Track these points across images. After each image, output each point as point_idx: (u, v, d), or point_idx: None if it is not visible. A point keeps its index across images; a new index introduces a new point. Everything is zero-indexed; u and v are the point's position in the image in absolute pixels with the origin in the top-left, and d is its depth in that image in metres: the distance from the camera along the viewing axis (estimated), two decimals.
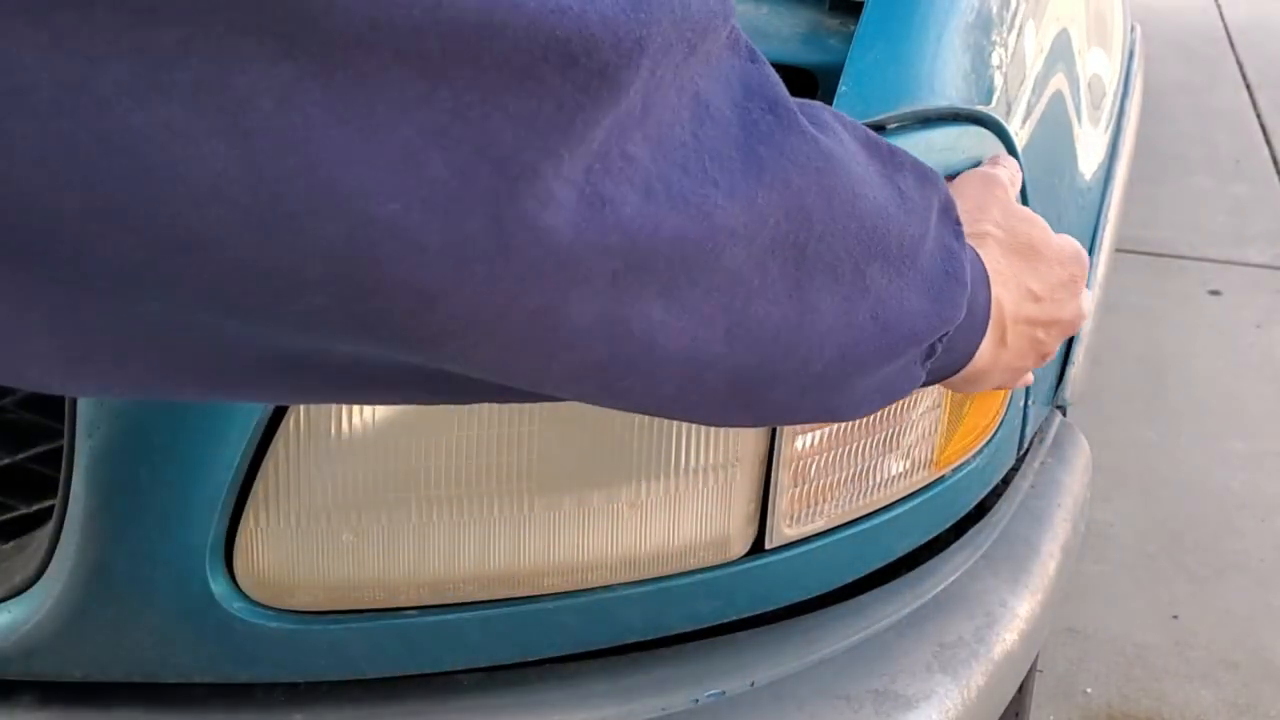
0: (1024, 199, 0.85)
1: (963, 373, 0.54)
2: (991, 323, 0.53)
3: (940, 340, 0.47)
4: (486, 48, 0.26)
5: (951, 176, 0.76)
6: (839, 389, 0.43)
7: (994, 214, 0.57)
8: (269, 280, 0.26)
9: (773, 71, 0.37)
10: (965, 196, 0.58)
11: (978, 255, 0.52)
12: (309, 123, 0.25)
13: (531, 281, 0.29)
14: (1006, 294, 0.54)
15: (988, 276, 0.52)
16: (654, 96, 0.31)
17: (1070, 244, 0.60)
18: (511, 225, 0.28)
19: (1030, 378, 0.63)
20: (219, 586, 0.73)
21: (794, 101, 0.38)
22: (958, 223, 0.48)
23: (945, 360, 0.50)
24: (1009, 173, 0.63)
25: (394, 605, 0.76)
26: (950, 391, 0.80)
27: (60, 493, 0.70)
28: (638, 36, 0.29)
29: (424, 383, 0.35)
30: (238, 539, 0.72)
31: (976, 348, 0.52)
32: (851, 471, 0.80)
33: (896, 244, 0.42)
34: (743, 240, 0.35)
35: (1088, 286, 0.63)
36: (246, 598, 0.74)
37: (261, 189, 0.25)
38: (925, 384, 0.50)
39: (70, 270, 0.25)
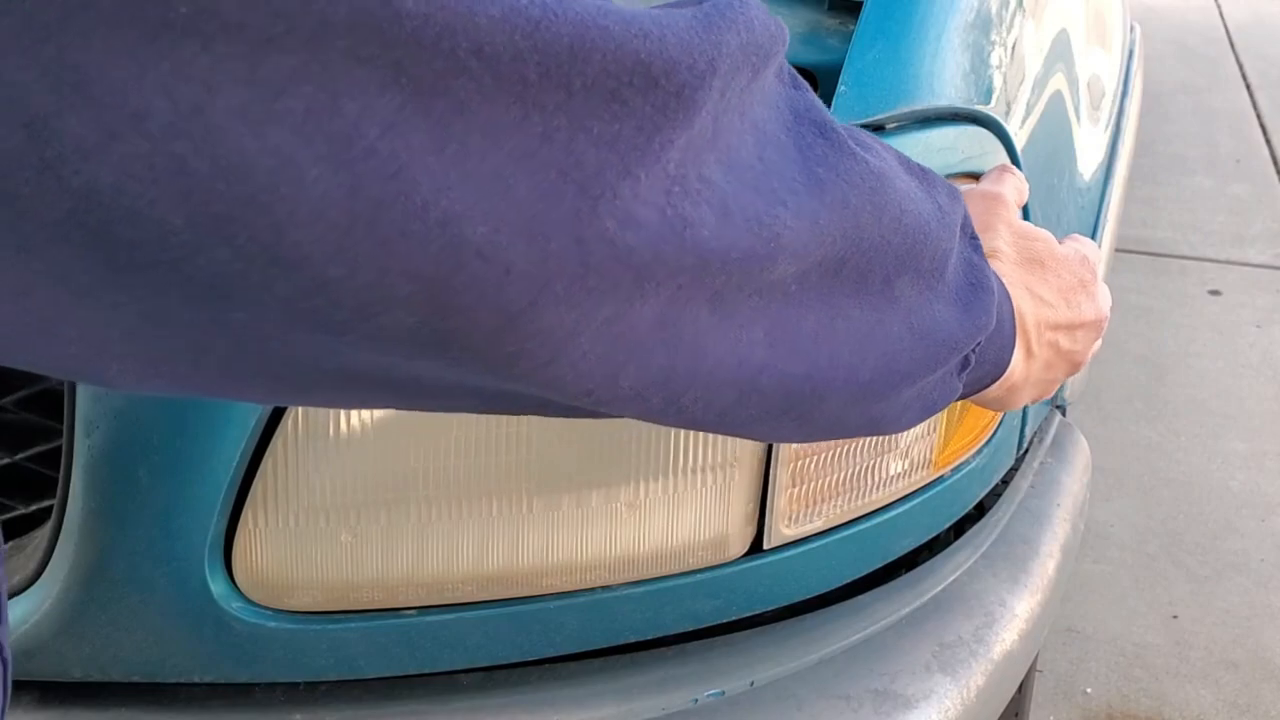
0: (1025, 208, 0.85)
1: (998, 385, 0.55)
2: (1019, 330, 0.54)
3: (974, 351, 0.48)
4: (578, 72, 0.27)
5: (953, 179, 0.76)
6: (884, 400, 0.44)
7: (1000, 231, 0.58)
8: (357, 296, 0.27)
9: (816, 97, 0.39)
10: (971, 213, 0.59)
11: (992, 269, 0.53)
12: (409, 150, 0.26)
13: (605, 295, 0.30)
14: (1025, 304, 0.55)
15: (1007, 290, 0.53)
16: (723, 119, 0.32)
17: (1075, 249, 0.60)
18: (593, 245, 0.29)
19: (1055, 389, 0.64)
20: (218, 586, 0.73)
21: (840, 125, 0.39)
22: (975, 237, 0.49)
23: (980, 372, 0.51)
24: (1013, 187, 0.64)
25: (393, 605, 0.76)
26: None
27: (59, 493, 0.70)
28: (710, 58, 0.30)
29: (484, 397, 0.36)
30: (236, 539, 0.72)
31: (1010, 358, 0.53)
32: (850, 471, 0.80)
33: (929, 257, 0.43)
34: (799, 257, 0.36)
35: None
36: (245, 598, 0.74)
37: (359, 212, 0.26)
38: (962, 396, 0.51)
39: (169, 278, 0.26)
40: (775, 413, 0.40)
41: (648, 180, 0.30)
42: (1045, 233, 0.60)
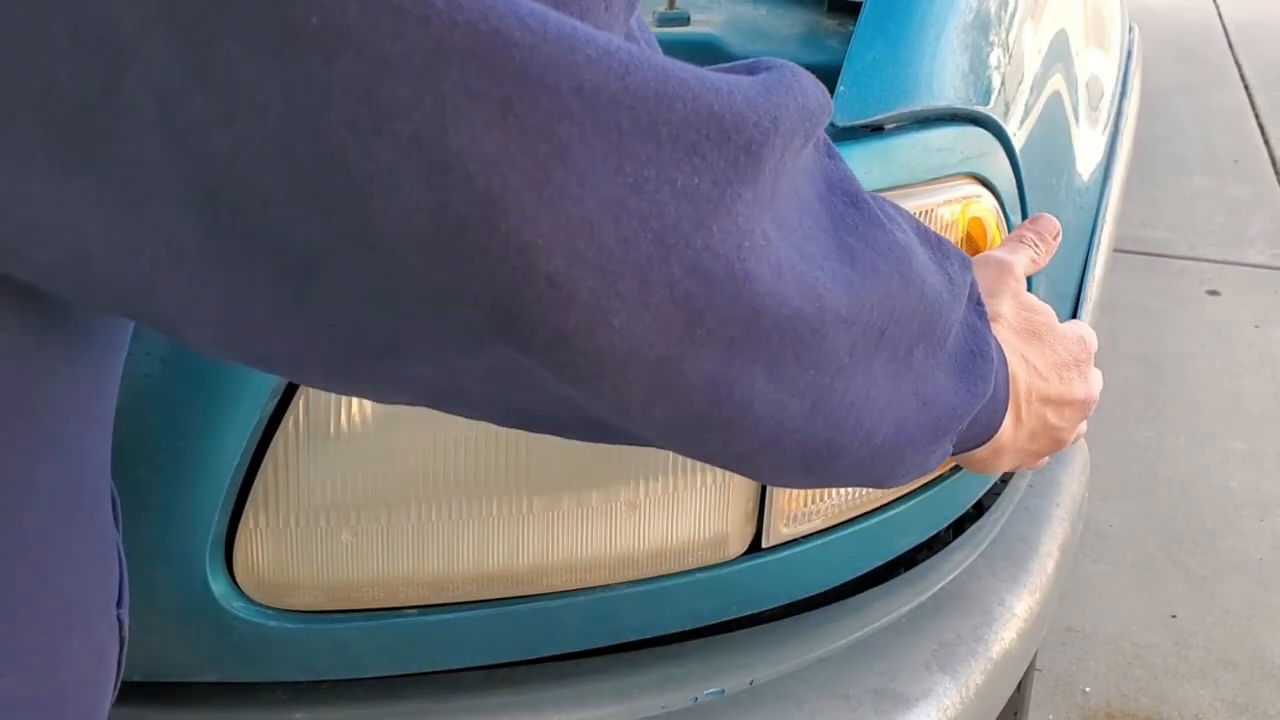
0: (1022, 201, 0.85)
1: (984, 448, 0.56)
2: (1011, 398, 0.55)
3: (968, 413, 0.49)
4: (665, 119, 0.29)
5: (951, 179, 0.76)
6: (891, 462, 0.46)
7: (1005, 299, 0.60)
8: (432, 284, 0.29)
9: (848, 168, 0.40)
10: (979, 279, 0.60)
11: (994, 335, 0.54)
12: (506, 187, 0.27)
13: (659, 335, 0.32)
14: (1020, 371, 0.56)
15: (1005, 355, 0.54)
16: (780, 180, 0.33)
17: (1073, 329, 0.62)
18: (656, 288, 0.30)
19: (1045, 461, 0.65)
20: (219, 586, 0.73)
21: (869, 195, 0.41)
22: (980, 304, 0.51)
23: (971, 434, 0.52)
24: (1027, 258, 0.65)
25: (394, 605, 0.76)
26: None
27: None
28: (773, 117, 0.32)
29: (512, 410, 0.37)
30: (237, 539, 0.72)
31: (1000, 422, 0.54)
32: None
33: (941, 327, 0.45)
34: (845, 323, 0.37)
35: (1078, 318, 0.65)
36: (247, 597, 0.74)
37: (446, 224, 0.28)
38: (951, 454, 0.52)
39: (262, 248, 0.28)
40: (788, 465, 0.41)
41: (719, 233, 0.31)
42: (1047, 307, 0.61)
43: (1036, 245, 0.66)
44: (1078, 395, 0.60)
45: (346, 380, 0.35)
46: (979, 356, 0.49)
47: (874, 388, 0.41)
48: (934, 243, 0.46)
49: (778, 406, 0.37)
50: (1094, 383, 0.63)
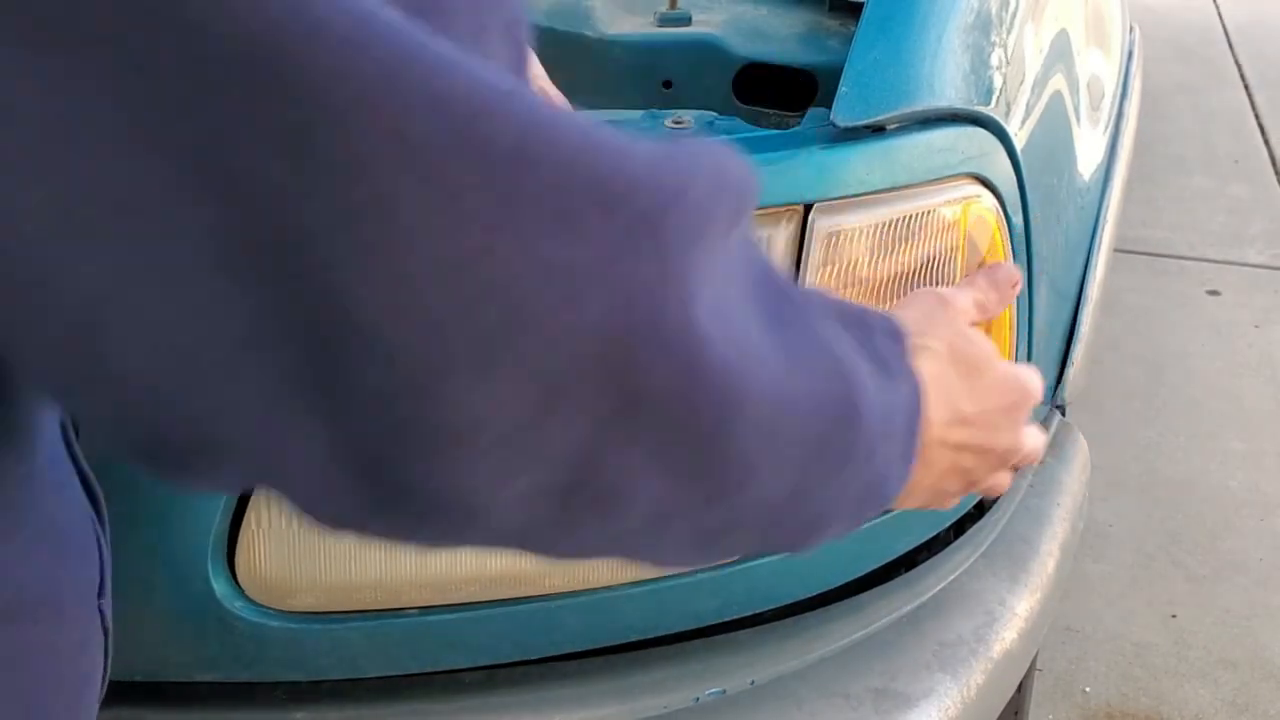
0: (1023, 201, 0.85)
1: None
2: (917, 439, 0.51)
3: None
4: (523, 180, 0.25)
5: (952, 179, 0.76)
6: (797, 532, 0.44)
7: (939, 330, 0.55)
8: (245, 316, 0.27)
9: (772, 261, 0.38)
10: (914, 309, 0.57)
11: (912, 373, 0.51)
12: (300, 217, 0.24)
13: (505, 407, 0.29)
14: (936, 412, 0.52)
15: (918, 398, 0.50)
16: (698, 260, 0.30)
17: (1020, 373, 0.58)
18: (505, 359, 0.27)
19: (955, 501, 0.60)
20: (220, 586, 0.73)
21: (792, 285, 0.38)
22: (900, 345, 0.48)
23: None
24: (980, 291, 0.61)
25: (395, 606, 0.76)
26: None
27: None
28: (676, 188, 0.28)
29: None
30: (239, 540, 0.72)
31: (905, 472, 0.51)
32: None
33: (858, 431, 0.42)
34: (751, 417, 0.34)
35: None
36: (248, 597, 0.74)
37: (249, 247, 0.25)
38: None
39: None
40: (680, 549, 0.39)
41: (601, 310, 0.28)
42: (987, 344, 0.57)
43: (986, 291, 0.62)
44: (999, 445, 0.56)
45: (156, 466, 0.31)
46: (900, 420, 0.46)
47: (801, 480, 0.39)
48: (855, 320, 0.44)
49: (664, 491, 0.34)
50: (1027, 435, 0.58)
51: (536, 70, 0.77)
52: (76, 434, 0.45)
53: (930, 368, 0.53)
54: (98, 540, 0.45)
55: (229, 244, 0.25)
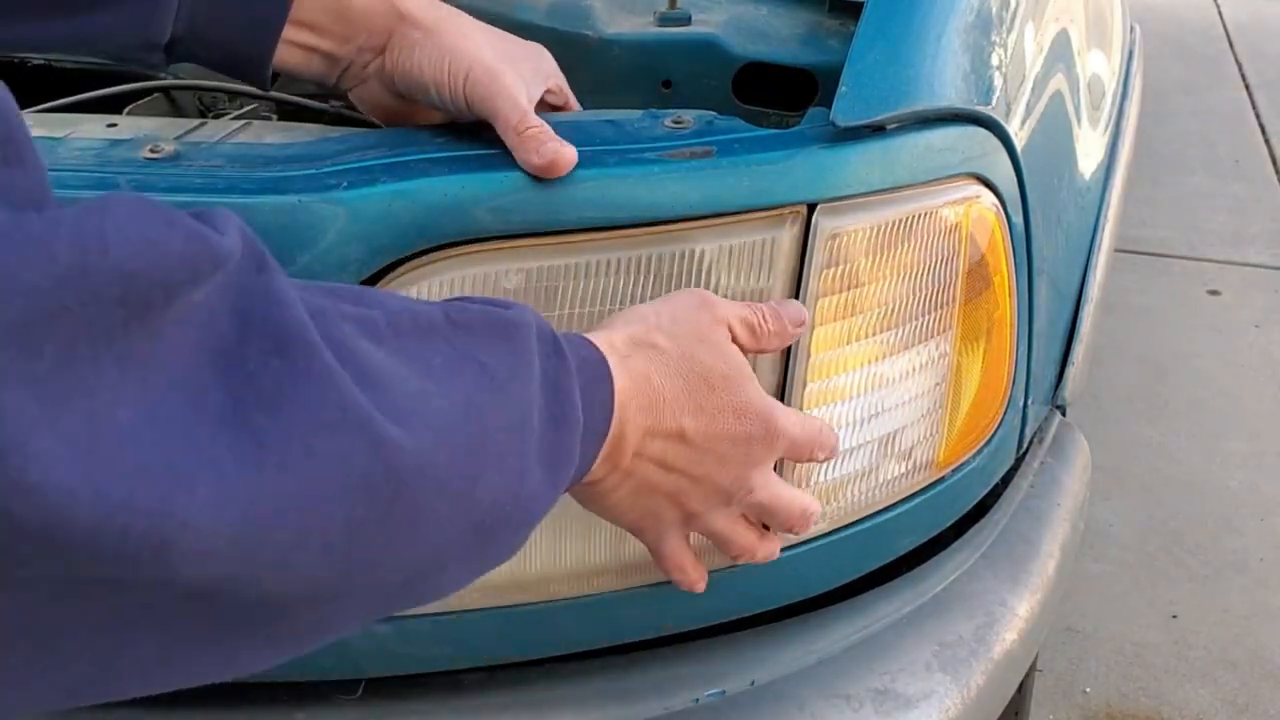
0: (1023, 201, 0.85)
1: (582, 484, 0.47)
2: (610, 442, 0.47)
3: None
4: None
5: (952, 179, 0.76)
6: (429, 587, 0.38)
7: (679, 332, 0.51)
8: None
9: (288, 286, 0.29)
10: (668, 305, 0.53)
11: (604, 363, 0.46)
12: None
13: None
14: (639, 416, 0.48)
15: (611, 386, 0.46)
16: (63, 382, 0.24)
17: (772, 410, 0.52)
18: None
19: (685, 571, 0.55)
20: None
21: (329, 300, 0.30)
22: (556, 345, 0.43)
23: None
24: (742, 317, 0.55)
25: (398, 615, 0.76)
26: (951, 392, 0.81)
27: None
28: None
29: None
30: None
31: (593, 453, 0.46)
32: (855, 474, 0.80)
33: (502, 432, 0.36)
34: (223, 556, 0.27)
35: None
36: None
37: None
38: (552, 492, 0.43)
39: None
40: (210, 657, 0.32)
41: None
42: (745, 369, 0.51)
43: (767, 318, 0.57)
44: (722, 480, 0.50)
45: None
46: (563, 423, 0.41)
47: (369, 558, 0.31)
48: (452, 332, 0.37)
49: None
50: (770, 482, 0.52)
51: (550, 68, 0.77)
52: None
53: (641, 367, 0.48)
54: None
55: None
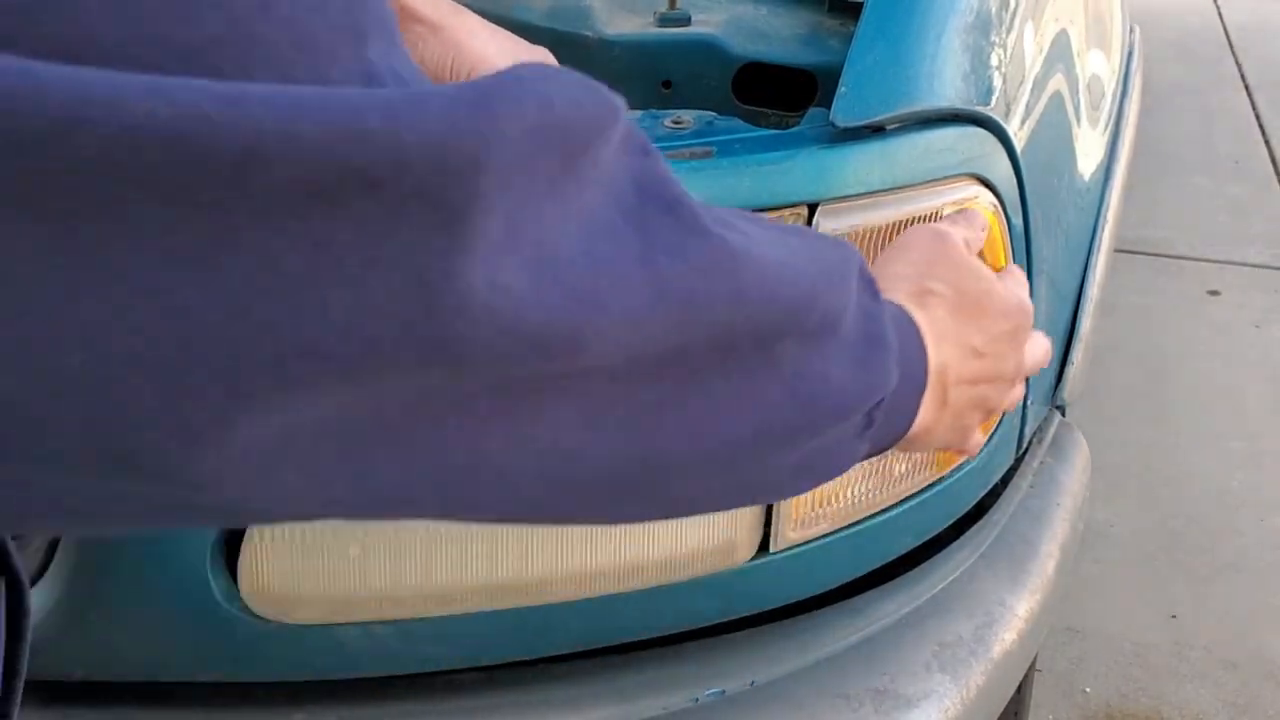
0: (1023, 201, 0.85)
1: (906, 435, 0.51)
2: (932, 383, 0.51)
3: (877, 408, 0.45)
4: (256, 177, 0.24)
5: (950, 180, 0.76)
6: (755, 470, 0.41)
7: (941, 271, 0.55)
8: (20, 429, 0.25)
9: (669, 168, 0.35)
10: (913, 251, 0.57)
11: (909, 316, 0.50)
12: (15, 254, 0.23)
13: (337, 414, 0.28)
14: (951, 353, 0.53)
15: (921, 336, 0.50)
16: (522, 215, 0.28)
17: (1015, 295, 0.58)
18: (294, 359, 0.26)
19: (981, 438, 0.61)
20: (220, 586, 0.73)
21: (695, 200, 0.35)
22: (874, 286, 0.46)
23: (886, 429, 0.48)
24: (970, 230, 0.61)
25: (400, 618, 0.76)
26: None
27: None
28: (470, 153, 0.26)
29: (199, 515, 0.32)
30: (242, 553, 0.72)
31: (916, 411, 0.50)
32: (857, 473, 0.80)
33: (816, 319, 0.40)
34: (626, 355, 0.32)
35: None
36: (252, 611, 0.74)
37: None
38: (868, 456, 0.48)
39: None
40: (608, 496, 0.37)
41: (384, 290, 0.26)
42: (987, 274, 0.57)
43: (969, 229, 0.62)
44: (1007, 370, 0.57)
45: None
46: (877, 344, 0.44)
47: (695, 394, 0.36)
48: (795, 233, 0.42)
49: (543, 453, 0.32)
50: (1030, 352, 0.60)
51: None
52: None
53: (938, 312, 0.53)
54: (7, 656, 0.43)
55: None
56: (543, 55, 0.76)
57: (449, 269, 0.27)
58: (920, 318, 0.51)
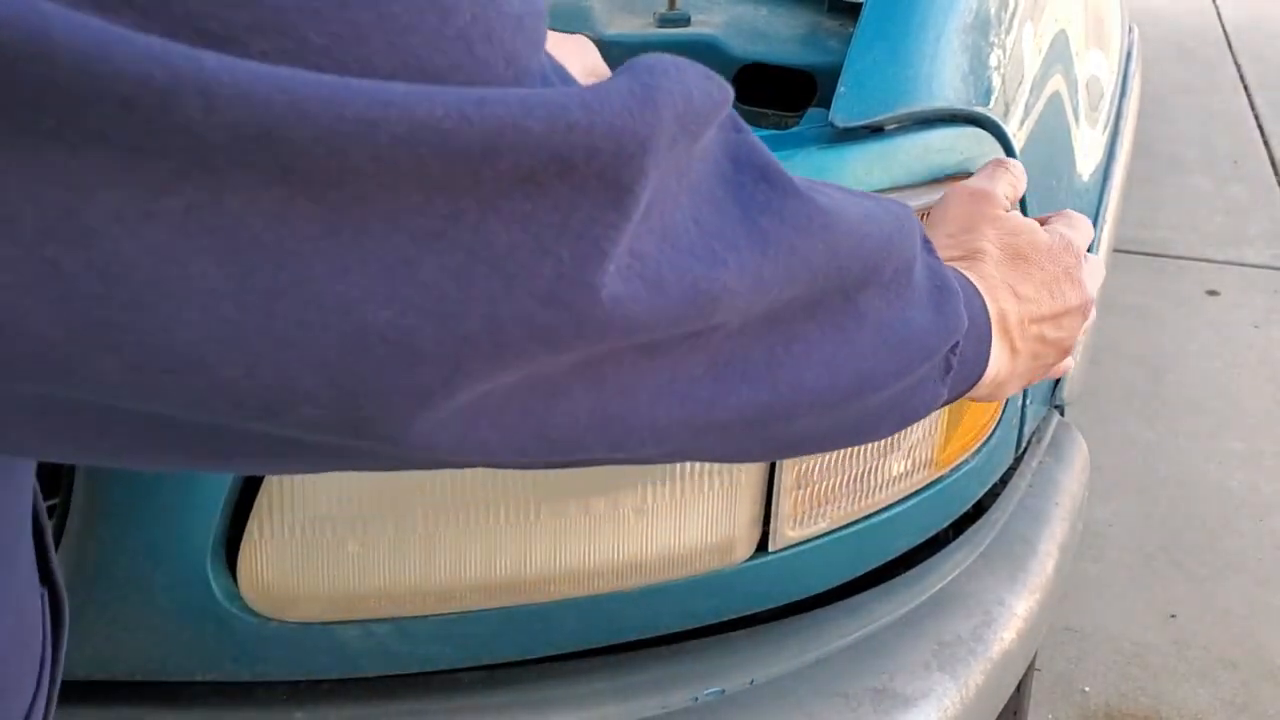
0: (1022, 201, 0.85)
1: (983, 381, 0.55)
2: (997, 333, 0.55)
3: (953, 351, 0.49)
4: (488, 166, 0.27)
5: (950, 179, 0.76)
6: (856, 410, 0.44)
7: (985, 230, 0.59)
8: (259, 396, 0.27)
9: (757, 139, 0.38)
10: (955, 214, 0.60)
11: (962, 273, 0.54)
12: (298, 236, 0.25)
13: (525, 375, 0.31)
14: (1008, 303, 0.56)
15: (977, 288, 0.54)
16: (659, 190, 0.31)
17: (1058, 238, 0.61)
18: (509, 325, 0.29)
19: (1070, 363, 0.64)
20: (220, 585, 0.73)
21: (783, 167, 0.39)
22: (929, 244, 0.50)
23: (962, 373, 0.52)
24: (1006, 182, 0.64)
25: (399, 615, 0.76)
26: None
27: (62, 492, 0.71)
28: (643, 138, 0.29)
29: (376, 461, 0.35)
30: (241, 550, 0.72)
31: (988, 355, 0.54)
32: (854, 473, 0.80)
33: (892, 269, 0.44)
34: (743, 312, 0.36)
35: (1091, 250, 0.65)
36: (251, 608, 0.74)
37: (250, 303, 0.25)
38: (948, 400, 0.52)
39: (56, 386, 0.26)
40: (737, 437, 0.40)
41: (574, 260, 0.29)
42: (1030, 224, 0.60)
43: (1012, 181, 0.65)
44: (1072, 304, 0.60)
45: (202, 467, 0.32)
46: (944, 290, 0.48)
47: (798, 342, 0.40)
48: (866, 196, 0.45)
49: (667, 382, 0.36)
50: (1089, 280, 0.62)
51: (594, 63, 0.78)
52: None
53: (988, 269, 0.56)
54: (41, 669, 0.44)
55: (236, 288, 0.25)
56: (581, 48, 0.77)
57: (618, 238, 0.30)
58: (972, 274, 0.55)
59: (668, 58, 0.33)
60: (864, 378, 0.43)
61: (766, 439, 0.42)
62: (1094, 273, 0.64)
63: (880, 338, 0.44)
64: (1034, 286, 0.58)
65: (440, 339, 0.28)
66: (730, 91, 0.35)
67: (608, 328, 0.31)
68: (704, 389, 0.37)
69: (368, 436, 0.29)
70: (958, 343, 0.49)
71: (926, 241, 0.49)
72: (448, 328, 0.28)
